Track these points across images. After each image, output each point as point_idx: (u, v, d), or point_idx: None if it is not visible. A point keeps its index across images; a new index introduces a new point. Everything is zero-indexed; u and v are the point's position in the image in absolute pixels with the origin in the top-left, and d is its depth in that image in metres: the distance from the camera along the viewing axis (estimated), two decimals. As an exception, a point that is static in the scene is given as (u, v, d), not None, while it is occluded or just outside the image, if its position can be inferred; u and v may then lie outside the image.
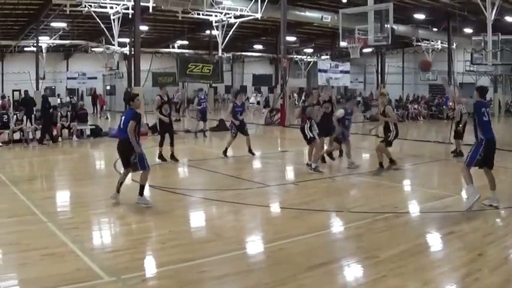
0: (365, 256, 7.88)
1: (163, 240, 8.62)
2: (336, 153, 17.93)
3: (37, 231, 9.01)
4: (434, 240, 8.88)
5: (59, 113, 24.30)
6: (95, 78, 51.35)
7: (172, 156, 17.38)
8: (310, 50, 66.85)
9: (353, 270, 7.45)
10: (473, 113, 10.90)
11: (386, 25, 26.33)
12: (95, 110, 46.24)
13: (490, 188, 10.89)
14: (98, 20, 34.15)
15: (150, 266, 7.55)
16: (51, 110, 24.71)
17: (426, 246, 8.58)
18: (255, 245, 8.70)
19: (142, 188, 10.98)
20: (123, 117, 11.34)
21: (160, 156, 17.37)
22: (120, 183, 11.21)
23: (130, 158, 11.00)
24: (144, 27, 43.33)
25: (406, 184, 14.59)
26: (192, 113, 26.23)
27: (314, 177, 14.52)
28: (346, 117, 16.67)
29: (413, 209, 11.45)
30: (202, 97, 27.36)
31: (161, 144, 17.48)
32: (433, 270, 7.40)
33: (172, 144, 17.36)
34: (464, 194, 10.98)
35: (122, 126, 11.21)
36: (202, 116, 26.94)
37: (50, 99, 27.26)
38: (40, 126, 23.27)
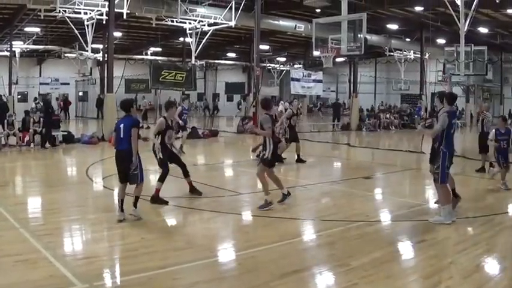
0: (337, 264, 7.93)
1: (136, 247, 8.60)
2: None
3: (9, 238, 8.95)
4: (406, 248, 8.97)
5: (32, 119, 24.07)
6: (68, 84, 51.11)
7: (193, 189, 13.23)
8: (283, 59, 67.02)
9: (325, 278, 7.50)
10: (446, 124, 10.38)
11: (359, 35, 26.43)
12: (66, 116, 45.99)
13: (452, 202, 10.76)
14: (71, 25, 33.95)
15: (123, 273, 7.52)
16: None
17: (398, 254, 8.66)
18: (227, 253, 8.70)
19: (137, 199, 10.65)
20: (121, 126, 10.44)
21: (157, 199, 12.25)
22: (121, 201, 10.42)
23: (131, 169, 10.28)
24: (117, 34, 43.12)
25: (378, 193, 14.69)
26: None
27: (286, 185, 14.53)
28: (498, 137, 14.98)
29: (385, 217, 11.52)
30: (186, 107, 22.81)
31: (162, 179, 12.41)
32: (405, 278, 7.48)
33: (186, 174, 13.20)
34: (440, 213, 10.66)
35: (122, 136, 10.37)
36: (182, 129, 21.86)
37: (22, 104, 27.18)
38: (11, 130, 23.29)
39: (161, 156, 12.42)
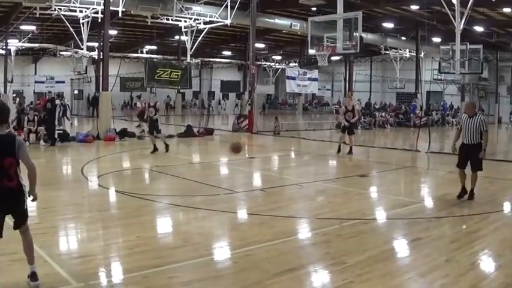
0: (332, 262, 7.92)
1: (131, 246, 8.58)
2: None
3: (5, 237, 8.84)
4: (401, 247, 8.96)
5: (27, 117, 24.05)
6: (63, 82, 51.11)
7: None
8: (278, 57, 67.11)
9: (320, 276, 7.48)
10: None
11: (355, 33, 26.40)
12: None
13: None
14: (67, 23, 33.98)
15: (118, 272, 7.50)
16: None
17: (393, 253, 8.65)
18: (222, 251, 8.67)
19: None
20: None
21: None
22: None
23: None
24: (113, 32, 43.10)
25: (373, 191, 14.69)
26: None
27: (281, 183, 14.56)
28: None
29: (380, 215, 11.52)
30: None
31: None
32: (400, 276, 7.46)
33: None
34: None
35: None
36: None
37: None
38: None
39: None
